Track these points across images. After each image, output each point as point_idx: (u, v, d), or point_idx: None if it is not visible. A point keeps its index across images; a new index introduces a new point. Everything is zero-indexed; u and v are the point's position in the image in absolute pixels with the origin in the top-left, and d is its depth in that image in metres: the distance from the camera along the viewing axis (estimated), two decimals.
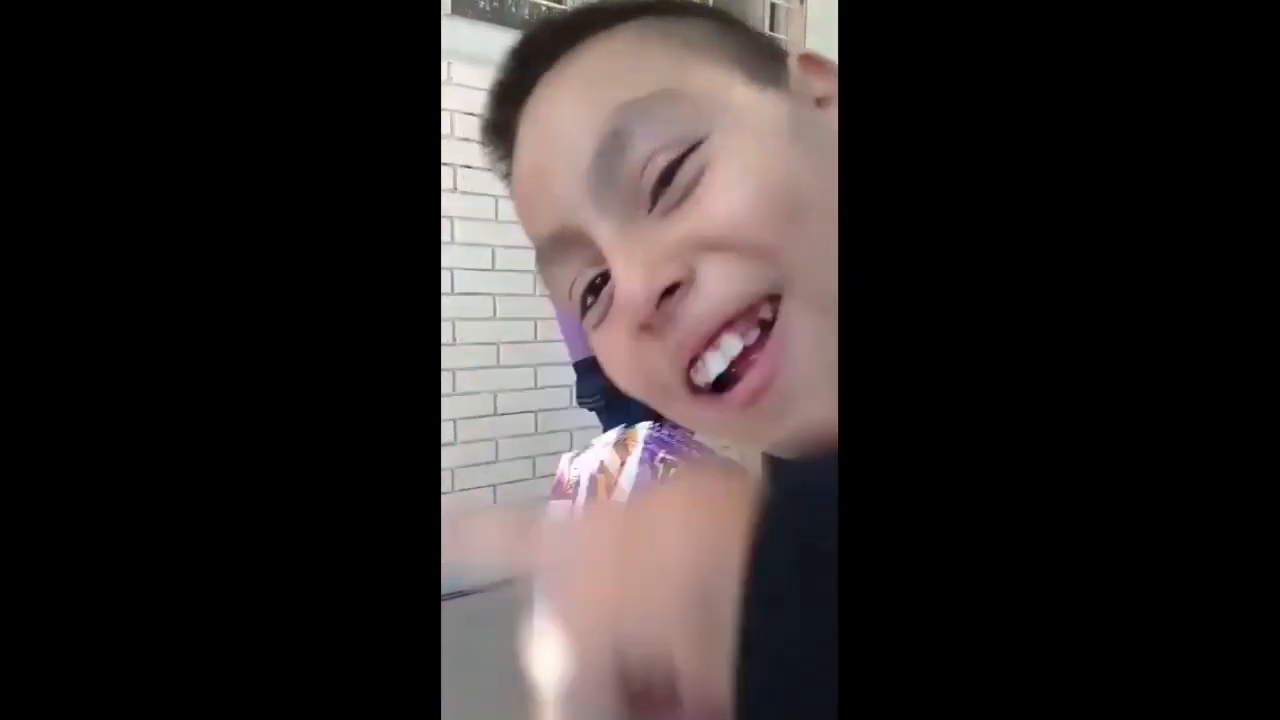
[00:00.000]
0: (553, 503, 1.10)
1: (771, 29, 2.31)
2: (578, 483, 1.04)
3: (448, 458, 1.69)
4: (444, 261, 1.58)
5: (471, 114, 1.50)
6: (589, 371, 1.38)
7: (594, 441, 1.15)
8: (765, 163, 0.27)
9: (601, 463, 1.01)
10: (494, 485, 1.82)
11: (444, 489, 1.55)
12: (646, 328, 0.27)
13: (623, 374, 0.31)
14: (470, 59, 1.63)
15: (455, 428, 1.73)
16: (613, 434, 1.12)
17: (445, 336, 1.73)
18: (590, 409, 1.36)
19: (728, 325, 0.28)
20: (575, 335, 1.39)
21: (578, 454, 1.13)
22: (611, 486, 0.98)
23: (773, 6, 2.30)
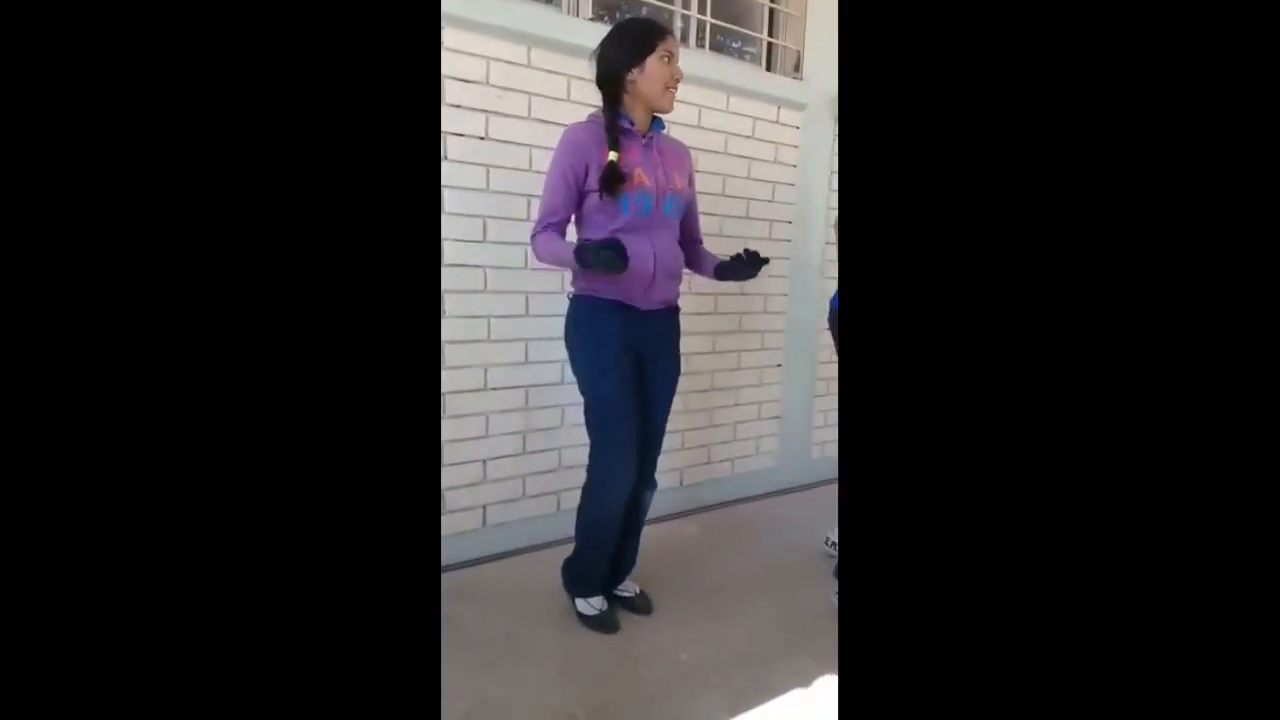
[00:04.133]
0: None
1: (770, 34, 2.26)
2: None
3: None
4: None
5: (464, 80, 1.47)
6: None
7: None
8: None
9: None
10: (484, 460, 1.81)
11: None
12: None
13: None
14: (458, 24, 1.58)
15: (445, 402, 1.72)
16: None
17: None
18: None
19: None
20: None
21: None
22: None
23: (771, 11, 2.25)
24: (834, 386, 2.57)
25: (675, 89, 1.37)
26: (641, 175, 1.36)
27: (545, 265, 1.55)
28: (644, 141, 1.39)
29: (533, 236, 1.41)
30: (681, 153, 1.48)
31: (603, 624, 1.52)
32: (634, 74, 1.35)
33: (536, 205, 1.72)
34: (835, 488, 2.44)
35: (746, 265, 1.40)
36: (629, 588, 1.63)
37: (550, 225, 1.38)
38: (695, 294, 2.07)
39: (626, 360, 1.41)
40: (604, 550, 1.53)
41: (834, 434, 2.63)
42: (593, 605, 1.54)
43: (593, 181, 1.34)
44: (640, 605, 1.61)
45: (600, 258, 1.24)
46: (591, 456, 1.48)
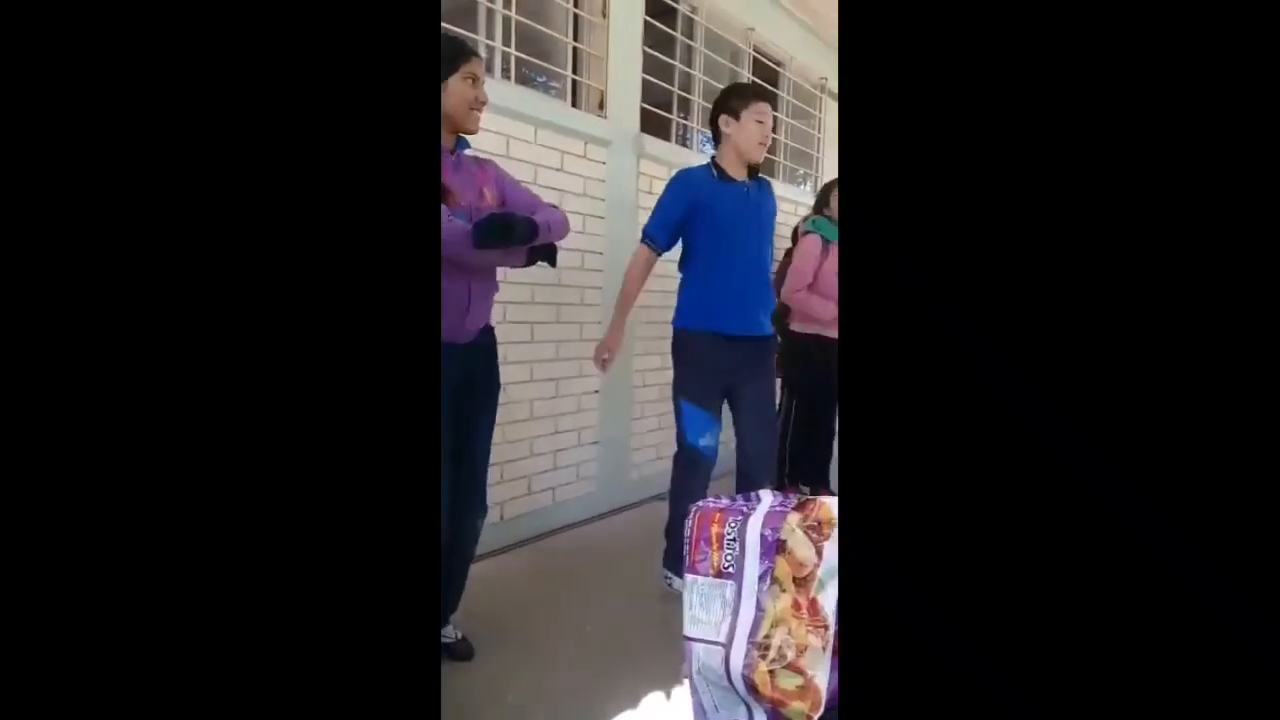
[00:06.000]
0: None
1: (575, 38, 2.35)
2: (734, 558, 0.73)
3: None
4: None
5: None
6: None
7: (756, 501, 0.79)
8: None
9: (784, 543, 0.72)
10: None
11: None
12: None
13: None
14: None
15: None
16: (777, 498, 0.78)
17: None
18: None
19: None
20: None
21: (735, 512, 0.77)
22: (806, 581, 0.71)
23: (575, 18, 2.34)
24: (649, 409, 2.68)
25: (480, 110, 1.37)
26: (456, 196, 1.34)
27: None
28: (454, 161, 1.38)
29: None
30: (485, 167, 1.48)
31: None
32: None
33: None
34: (654, 505, 2.53)
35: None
36: (449, 633, 1.54)
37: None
38: (511, 323, 2.05)
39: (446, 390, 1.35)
40: None
41: (651, 454, 2.73)
42: None
43: None
44: (461, 651, 1.53)
45: (495, 230, 1.26)
46: None
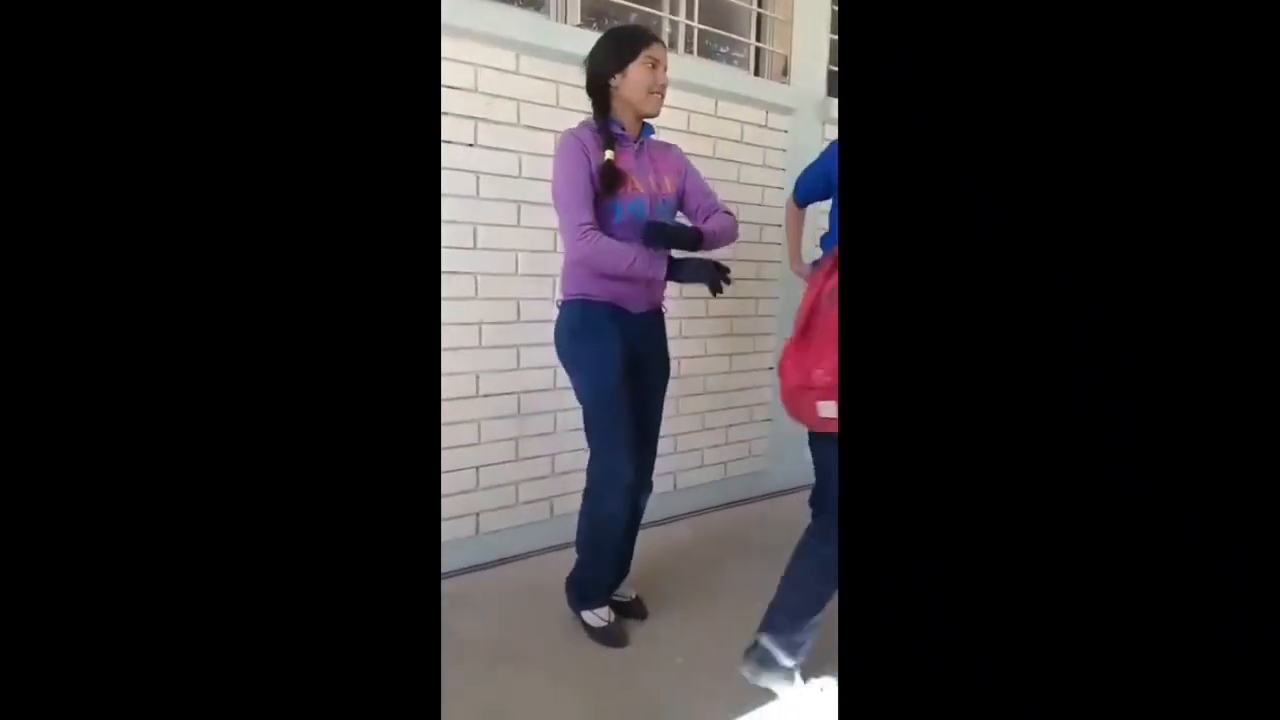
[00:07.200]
0: None
1: (758, 39, 2.28)
2: None
3: None
4: None
5: (453, 87, 1.46)
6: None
7: None
8: None
9: None
10: (477, 468, 1.81)
11: None
12: None
13: None
14: (445, 31, 1.58)
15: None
16: None
17: None
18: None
19: None
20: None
21: None
22: None
23: (759, 17, 2.27)
24: None
25: (660, 94, 1.38)
26: (635, 182, 1.38)
27: (533, 271, 1.54)
28: (635, 148, 1.41)
29: (577, 246, 1.33)
30: (671, 154, 1.50)
31: (610, 637, 1.51)
32: (617, 79, 1.37)
33: (527, 210, 1.72)
34: None
35: (700, 269, 1.37)
36: (624, 593, 1.63)
37: (591, 229, 1.33)
38: (686, 298, 2.07)
39: (625, 359, 1.42)
40: (609, 556, 1.52)
41: None
42: (600, 617, 1.53)
43: (593, 183, 1.35)
44: (636, 610, 1.61)
45: (672, 234, 1.33)
46: (592, 460, 1.47)
